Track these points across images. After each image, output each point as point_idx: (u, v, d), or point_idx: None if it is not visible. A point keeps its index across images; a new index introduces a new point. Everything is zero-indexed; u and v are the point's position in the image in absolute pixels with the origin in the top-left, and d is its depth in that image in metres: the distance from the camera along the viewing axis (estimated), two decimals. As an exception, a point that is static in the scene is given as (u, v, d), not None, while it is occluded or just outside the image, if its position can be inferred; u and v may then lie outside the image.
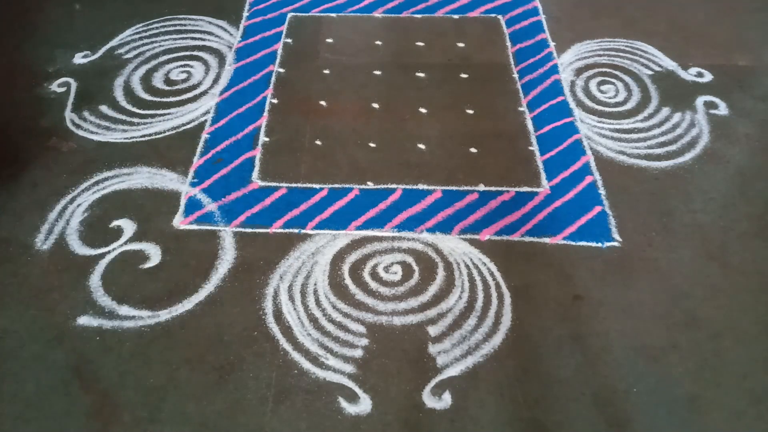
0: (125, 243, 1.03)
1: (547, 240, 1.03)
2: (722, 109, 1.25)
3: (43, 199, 1.10)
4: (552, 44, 1.41)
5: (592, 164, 1.15)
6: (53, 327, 0.92)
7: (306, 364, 0.88)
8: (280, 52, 1.40)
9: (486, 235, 1.04)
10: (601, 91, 1.29)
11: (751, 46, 1.39)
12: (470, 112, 1.26)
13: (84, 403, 0.84)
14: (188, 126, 1.23)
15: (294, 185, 1.12)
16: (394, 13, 1.50)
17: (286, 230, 1.05)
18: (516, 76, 1.33)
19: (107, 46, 1.41)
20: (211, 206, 1.09)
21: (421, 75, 1.34)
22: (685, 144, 1.19)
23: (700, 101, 1.27)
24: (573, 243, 1.02)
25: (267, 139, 1.21)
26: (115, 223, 1.06)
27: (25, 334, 0.92)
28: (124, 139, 1.21)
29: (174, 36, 1.43)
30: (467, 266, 0.99)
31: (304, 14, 1.50)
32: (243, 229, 1.05)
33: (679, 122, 1.23)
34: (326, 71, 1.35)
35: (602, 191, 1.10)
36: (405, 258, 1.01)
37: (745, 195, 1.10)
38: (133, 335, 0.91)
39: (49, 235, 1.04)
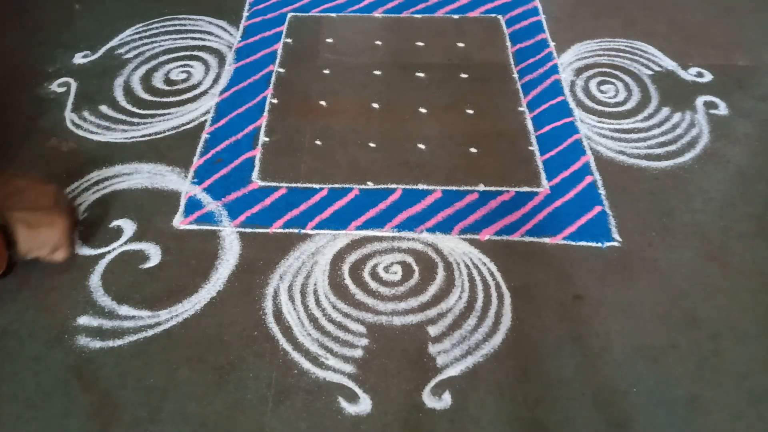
0: (125, 243, 1.03)
1: (547, 240, 1.03)
2: (722, 109, 1.25)
3: (43, 199, 1.10)
4: (552, 44, 1.41)
5: (592, 164, 1.15)
6: (53, 327, 0.92)
7: (306, 364, 0.88)
8: (280, 52, 1.40)
9: (486, 235, 1.04)
10: (601, 91, 1.29)
11: (751, 46, 1.39)
12: (470, 112, 1.26)
13: (84, 403, 0.84)
14: (188, 126, 1.23)
15: (294, 185, 1.12)
16: (394, 13, 1.49)
17: (286, 230, 1.05)
18: (516, 76, 1.33)
19: (107, 46, 1.41)
20: (211, 206, 1.09)
21: (421, 75, 1.34)
22: (685, 144, 1.19)
23: (700, 101, 1.27)
24: (573, 243, 1.02)
25: (267, 139, 1.21)
26: (115, 223, 1.06)
27: (25, 334, 0.91)
28: (124, 139, 1.21)
29: (174, 36, 1.43)
30: (467, 266, 0.99)
31: (304, 14, 1.50)
32: (243, 229, 1.05)
33: (679, 122, 1.23)
34: (326, 71, 1.35)
35: (602, 191, 1.10)
36: (405, 258, 1.01)
37: (745, 195, 1.10)
38: (133, 335, 0.91)
39: (49, 235, 1.04)
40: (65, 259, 0.94)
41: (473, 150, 1.17)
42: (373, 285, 0.97)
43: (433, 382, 0.85)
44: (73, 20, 1.49)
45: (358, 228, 1.04)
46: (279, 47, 1.40)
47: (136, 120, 1.24)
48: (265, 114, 1.25)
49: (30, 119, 1.24)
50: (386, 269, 0.99)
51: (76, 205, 1.04)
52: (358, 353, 0.89)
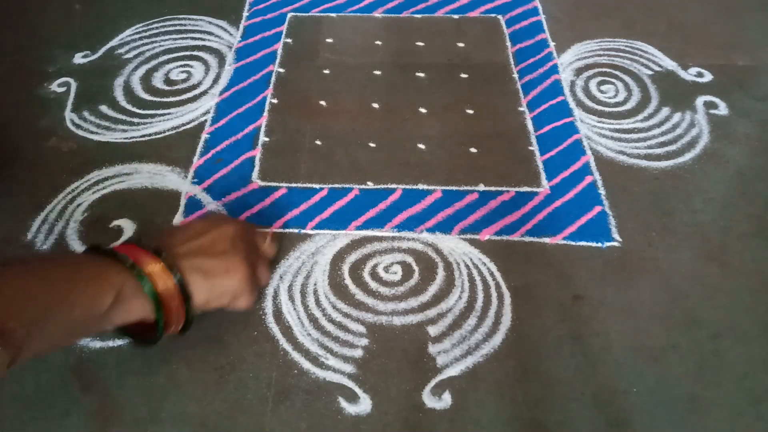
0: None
1: (547, 240, 1.03)
2: (722, 109, 1.25)
3: (43, 199, 1.10)
4: (552, 44, 1.41)
5: (592, 164, 1.15)
6: (53, 327, 0.92)
7: (306, 364, 0.88)
8: (280, 52, 1.40)
9: (486, 235, 1.04)
10: (601, 91, 1.29)
11: (751, 46, 1.39)
12: (470, 112, 1.26)
13: (84, 403, 0.84)
14: (188, 126, 1.23)
15: (294, 185, 1.12)
16: (394, 13, 1.49)
17: (286, 230, 1.05)
18: (516, 76, 1.33)
19: (107, 46, 1.41)
20: (211, 206, 1.09)
21: (421, 75, 1.34)
22: (685, 144, 1.19)
23: (700, 101, 1.27)
24: (573, 243, 1.02)
25: (267, 139, 1.21)
26: (115, 223, 1.06)
27: (25, 334, 0.91)
28: (124, 139, 1.21)
29: (174, 36, 1.43)
30: (467, 266, 0.99)
31: (304, 14, 1.50)
32: (243, 229, 1.05)
33: (679, 122, 1.23)
34: (326, 71, 1.35)
35: (602, 191, 1.10)
36: (405, 258, 1.01)
37: (745, 195, 1.10)
38: (133, 335, 0.91)
39: (49, 235, 1.04)
40: (249, 306, 0.84)
41: (473, 150, 1.17)
42: (373, 285, 0.97)
43: (433, 382, 0.85)
44: (73, 20, 1.49)
45: (358, 228, 1.04)
46: (279, 47, 1.40)
47: (136, 120, 1.24)
48: (265, 114, 1.25)
49: (30, 119, 1.25)
50: (386, 269, 0.99)
51: (266, 250, 0.92)
52: (358, 353, 0.89)
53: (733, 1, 1.51)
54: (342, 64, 1.37)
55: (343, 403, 0.84)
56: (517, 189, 1.11)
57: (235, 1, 1.53)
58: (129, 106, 1.27)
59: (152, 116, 1.25)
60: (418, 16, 1.49)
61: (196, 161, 1.17)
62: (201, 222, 0.87)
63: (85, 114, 1.25)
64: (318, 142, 1.20)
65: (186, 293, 0.77)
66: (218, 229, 0.84)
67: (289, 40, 1.43)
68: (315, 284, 0.97)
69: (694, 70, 1.33)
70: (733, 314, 0.93)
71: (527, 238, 1.03)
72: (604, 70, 1.34)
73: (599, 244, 1.02)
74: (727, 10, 1.49)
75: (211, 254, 0.80)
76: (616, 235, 1.03)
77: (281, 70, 1.35)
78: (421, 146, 1.19)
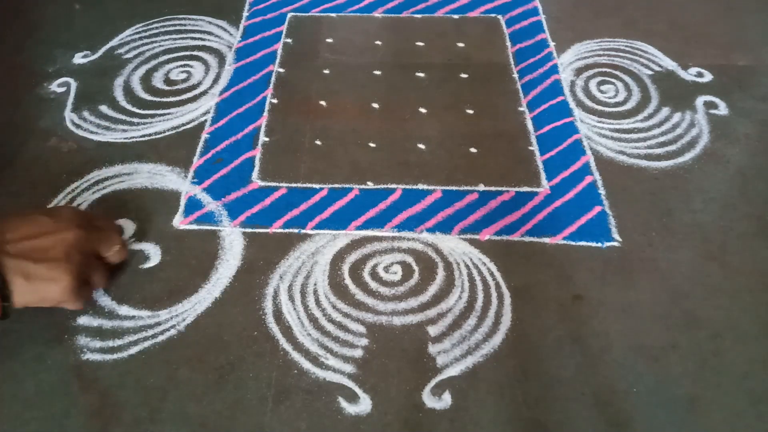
0: (125, 243, 1.03)
1: (547, 240, 1.03)
2: (722, 109, 1.25)
3: (43, 199, 1.10)
4: (552, 44, 1.41)
5: (592, 164, 1.15)
6: (53, 327, 0.92)
7: (306, 364, 0.88)
8: (280, 52, 1.40)
9: (486, 235, 1.04)
10: (601, 91, 1.29)
11: (751, 46, 1.39)
12: (470, 112, 1.26)
13: (84, 403, 0.84)
14: (188, 126, 1.23)
15: (294, 185, 1.12)
16: (394, 13, 1.49)
17: (286, 230, 1.05)
18: (516, 76, 1.33)
19: (107, 46, 1.41)
20: (211, 206, 1.09)
21: (421, 75, 1.34)
22: (685, 144, 1.19)
23: (700, 101, 1.27)
24: (573, 243, 1.02)
25: (267, 139, 1.21)
26: (115, 223, 1.06)
27: (25, 334, 0.91)
28: (124, 139, 1.21)
29: (174, 36, 1.43)
30: (467, 266, 0.99)
31: (304, 14, 1.50)
32: (243, 229, 1.05)
33: (679, 122, 1.23)
34: (326, 71, 1.35)
35: (602, 191, 1.10)
36: (405, 258, 1.01)
37: (745, 195, 1.10)
38: (133, 335, 0.91)
39: (49, 235, 1.04)
40: (77, 308, 0.87)
41: (473, 150, 1.18)
42: (373, 285, 0.97)
43: (433, 382, 0.85)
44: (73, 20, 1.49)
45: (358, 228, 1.04)
46: (279, 47, 1.41)
47: (136, 120, 1.24)
48: (265, 114, 1.25)
49: (30, 119, 1.25)
50: (386, 269, 0.99)
51: (111, 258, 0.93)
52: (358, 353, 0.89)
53: (733, 1, 1.52)
54: (342, 64, 1.37)
55: (343, 403, 0.84)
56: (517, 189, 1.11)
57: (235, 1, 1.53)
58: (129, 106, 1.27)
59: (152, 116, 1.25)
60: (418, 16, 1.49)
61: (196, 161, 1.17)
62: (45, 220, 0.84)
63: (85, 114, 1.25)
64: (318, 142, 1.20)
65: (4, 292, 0.77)
66: (58, 235, 0.82)
67: (289, 40, 1.43)
68: (315, 284, 0.97)
69: (694, 70, 1.33)
70: (733, 314, 0.93)
71: (527, 238, 1.03)
72: (604, 70, 1.34)
73: (599, 244, 1.02)
74: (727, 10, 1.49)
75: (40, 259, 0.79)
76: (616, 235, 1.03)
77: (281, 70, 1.35)
78: (421, 146, 1.19)
